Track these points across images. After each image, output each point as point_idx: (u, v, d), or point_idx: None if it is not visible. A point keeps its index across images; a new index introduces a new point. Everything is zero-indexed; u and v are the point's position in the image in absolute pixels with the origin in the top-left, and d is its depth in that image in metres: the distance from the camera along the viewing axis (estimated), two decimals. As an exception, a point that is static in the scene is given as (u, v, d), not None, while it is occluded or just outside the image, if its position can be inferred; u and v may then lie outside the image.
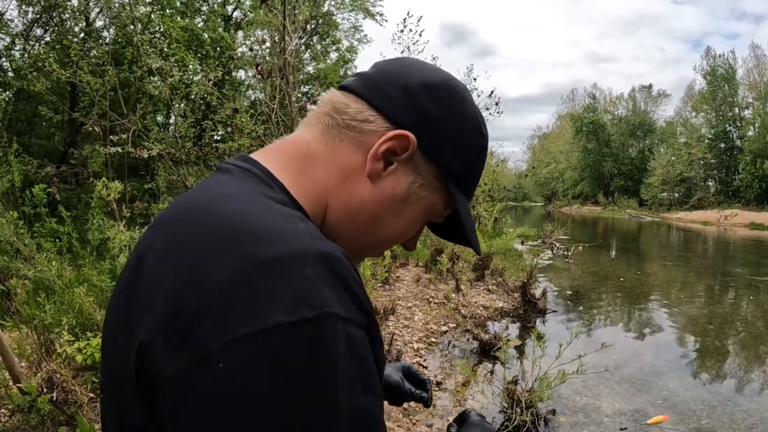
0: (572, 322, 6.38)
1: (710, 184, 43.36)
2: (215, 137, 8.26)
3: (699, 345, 5.75)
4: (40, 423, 2.59)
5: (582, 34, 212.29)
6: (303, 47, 14.28)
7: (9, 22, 10.93)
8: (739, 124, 41.42)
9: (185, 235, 0.45)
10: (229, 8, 15.75)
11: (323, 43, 17.79)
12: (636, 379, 4.42)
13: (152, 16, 11.77)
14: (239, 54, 9.42)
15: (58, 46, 9.81)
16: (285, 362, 0.38)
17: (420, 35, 9.25)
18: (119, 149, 5.90)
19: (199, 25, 13.85)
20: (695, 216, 35.31)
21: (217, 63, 10.27)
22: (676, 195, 43.55)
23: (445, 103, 0.57)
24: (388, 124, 0.55)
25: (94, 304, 3.38)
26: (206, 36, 12.84)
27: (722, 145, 41.93)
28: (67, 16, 10.96)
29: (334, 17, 17.29)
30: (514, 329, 5.85)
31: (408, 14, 8.48)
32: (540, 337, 3.41)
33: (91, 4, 10.78)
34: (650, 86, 56.57)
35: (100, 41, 10.02)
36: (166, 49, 6.62)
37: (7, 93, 11.26)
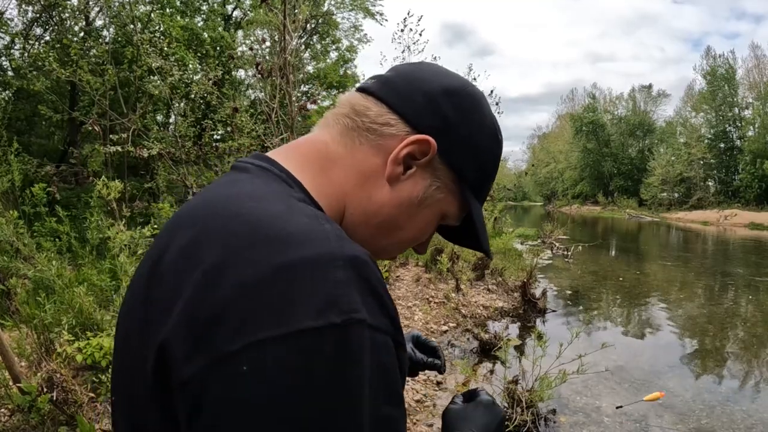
0: (572, 321, 6.39)
1: (710, 184, 43.35)
2: (215, 136, 8.27)
3: (698, 345, 5.75)
4: (40, 423, 2.59)
5: (582, 34, 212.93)
6: (303, 46, 14.26)
7: (9, 21, 10.91)
8: (739, 124, 41.42)
9: (209, 235, 0.44)
10: (229, 7, 15.72)
11: (323, 42, 17.77)
12: (636, 379, 4.43)
13: (152, 15, 11.75)
14: (239, 53, 9.43)
15: (58, 45, 9.78)
16: (308, 368, 0.37)
17: (420, 35, 9.19)
18: (119, 148, 5.90)
19: (199, 25, 13.83)
20: (695, 216, 35.30)
21: (217, 62, 10.23)
22: (676, 195, 43.53)
23: (464, 109, 0.57)
24: (409, 129, 0.55)
25: (94, 304, 3.37)
26: (206, 35, 12.83)
27: (722, 145, 41.90)
28: (66, 15, 10.93)
29: (334, 16, 17.27)
30: (514, 329, 5.85)
31: (408, 14, 8.46)
32: (540, 337, 3.41)
33: (90, 3, 10.75)
34: (650, 86, 56.62)
35: (100, 40, 9.98)
36: (165, 49, 6.63)
37: (7, 92, 11.22)
